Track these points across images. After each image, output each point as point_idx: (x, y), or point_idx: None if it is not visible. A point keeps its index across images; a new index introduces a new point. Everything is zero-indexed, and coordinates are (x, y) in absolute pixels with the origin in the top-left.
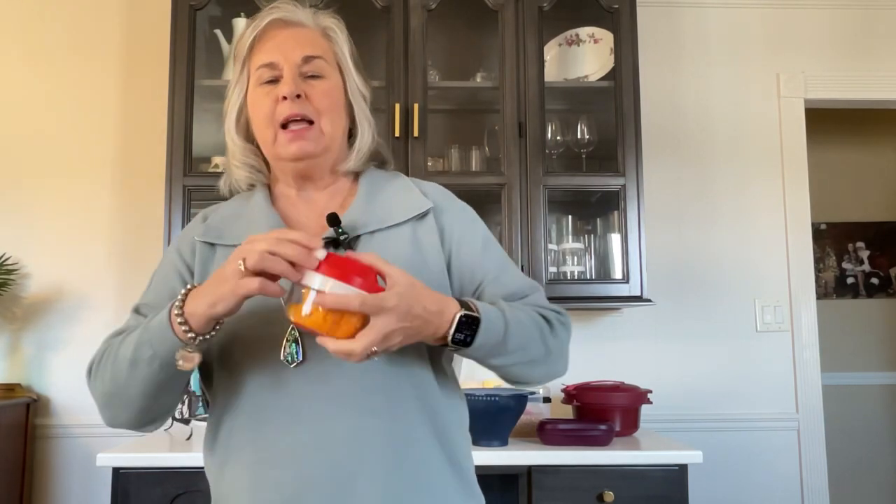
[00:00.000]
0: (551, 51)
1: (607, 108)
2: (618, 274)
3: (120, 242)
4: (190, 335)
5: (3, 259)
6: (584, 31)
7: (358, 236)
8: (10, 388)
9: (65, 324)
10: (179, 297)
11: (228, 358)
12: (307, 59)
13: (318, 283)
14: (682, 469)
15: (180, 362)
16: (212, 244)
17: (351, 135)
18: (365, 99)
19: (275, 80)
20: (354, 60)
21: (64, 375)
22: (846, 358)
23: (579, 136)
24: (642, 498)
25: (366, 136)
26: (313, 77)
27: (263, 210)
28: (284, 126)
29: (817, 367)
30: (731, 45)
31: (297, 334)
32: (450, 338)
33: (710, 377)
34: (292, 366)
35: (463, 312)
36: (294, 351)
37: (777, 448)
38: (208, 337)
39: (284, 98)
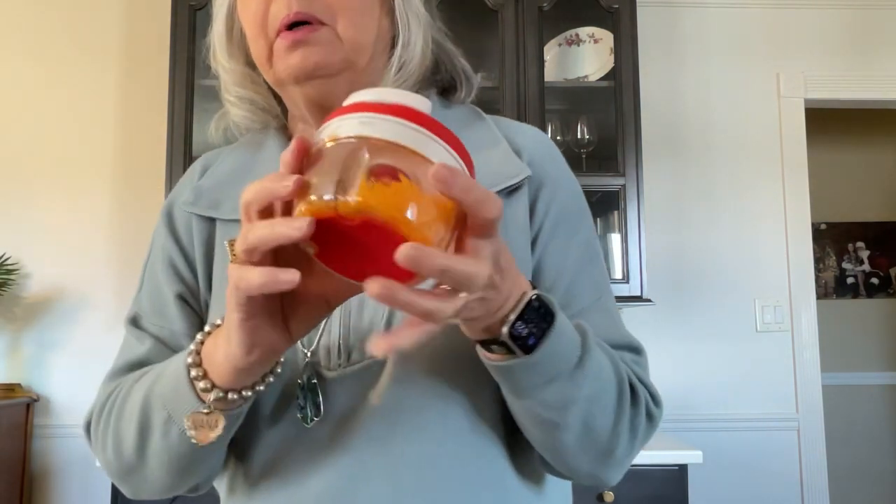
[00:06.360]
0: (551, 51)
1: (607, 108)
2: (618, 274)
3: (120, 242)
4: (216, 395)
5: (3, 259)
6: (584, 31)
7: None
8: (10, 388)
9: (65, 324)
10: (199, 336)
11: None
12: None
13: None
14: (682, 469)
15: (191, 431)
16: (210, 218)
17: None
18: None
19: None
20: None
21: (64, 375)
22: (846, 358)
23: (579, 136)
24: (642, 498)
25: (413, 40)
26: None
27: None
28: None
29: (817, 367)
30: (731, 45)
31: (311, 379)
32: (507, 326)
33: (709, 377)
34: (309, 425)
35: (536, 293)
36: (311, 405)
37: (777, 448)
38: (247, 395)
39: None
